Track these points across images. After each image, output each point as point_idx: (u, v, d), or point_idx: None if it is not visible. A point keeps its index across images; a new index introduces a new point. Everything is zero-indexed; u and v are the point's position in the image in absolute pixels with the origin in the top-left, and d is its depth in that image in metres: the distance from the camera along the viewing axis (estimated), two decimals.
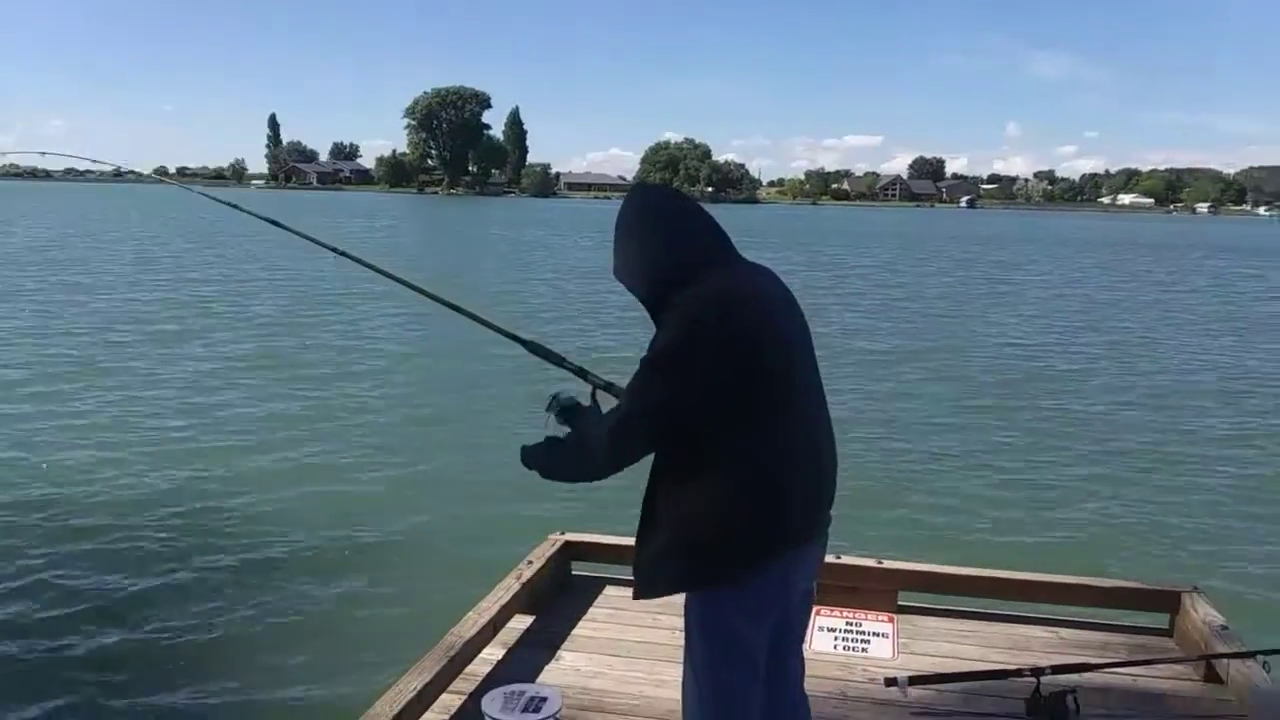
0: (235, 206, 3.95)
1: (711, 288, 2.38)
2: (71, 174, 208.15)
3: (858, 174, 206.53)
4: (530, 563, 4.48)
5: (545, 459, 2.57)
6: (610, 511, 7.16)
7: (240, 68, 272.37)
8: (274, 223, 3.75)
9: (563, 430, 2.59)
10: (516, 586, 4.23)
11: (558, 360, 2.92)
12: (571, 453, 2.55)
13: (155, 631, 6.17)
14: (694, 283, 2.38)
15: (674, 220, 2.50)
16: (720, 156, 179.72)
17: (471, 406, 12.55)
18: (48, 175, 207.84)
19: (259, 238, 34.31)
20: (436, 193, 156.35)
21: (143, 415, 11.58)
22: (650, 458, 2.45)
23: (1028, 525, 8.56)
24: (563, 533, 4.86)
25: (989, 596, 4.50)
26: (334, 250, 3.56)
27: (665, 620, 4.02)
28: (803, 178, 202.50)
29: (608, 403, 2.59)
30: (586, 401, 2.64)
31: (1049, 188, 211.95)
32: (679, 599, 2.48)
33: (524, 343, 2.98)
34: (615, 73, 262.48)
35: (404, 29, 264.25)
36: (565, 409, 2.62)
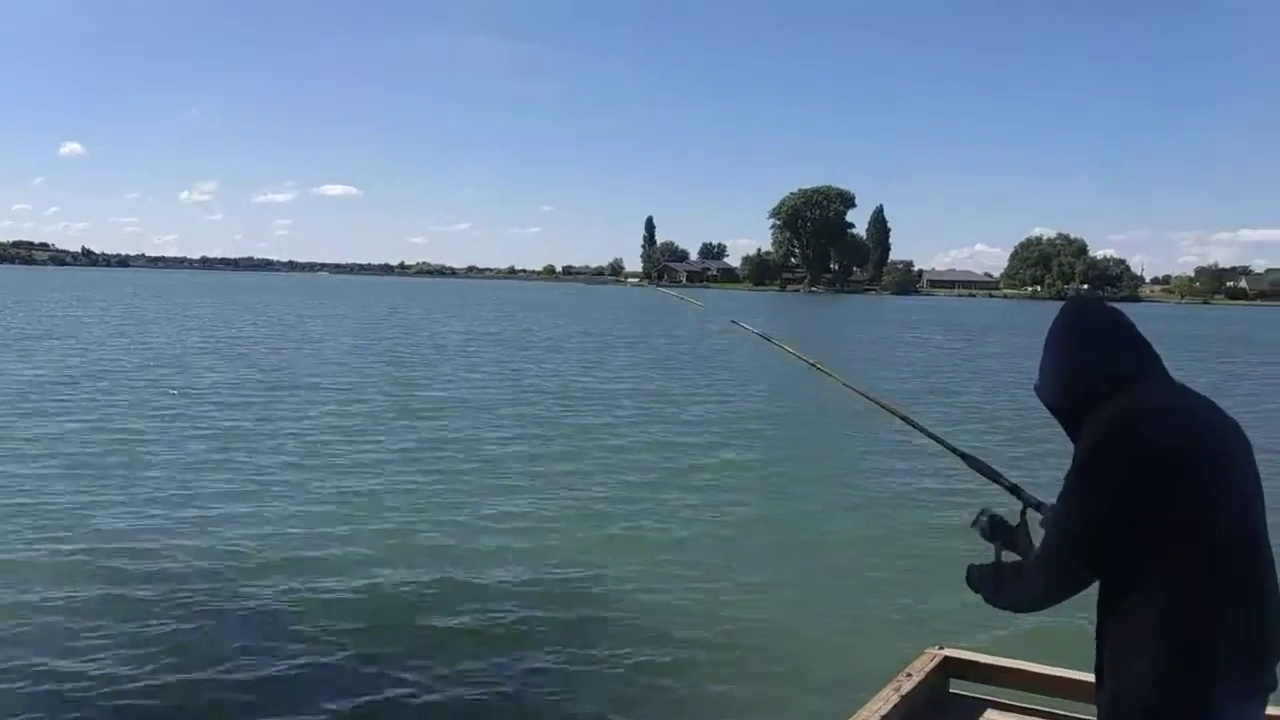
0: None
1: (1127, 403, 2.25)
2: (473, 271, 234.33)
3: (1258, 270, 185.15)
4: (909, 675, 4.37)
5: (989, 584, 2.49)
6: (995, 628, 6.91)
7: (618, 177, 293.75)
8: (765, 338, 3.92)
9: (1006, 554, 2.51)
10: (895, 699, 4.14)
11: (993, 475, 2.78)
12: (1007, 580, 2.45)
13: None
14: (1110, 401, 2.27)
15: (1097, 337, 2.37)
16: (1097, 252, 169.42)
17: (868, 506, 12.53)
18: (453, 273, 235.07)
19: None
20: (798, 290, 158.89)
21: None
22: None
23: None
24: (941, 647, 4.69)
25: None
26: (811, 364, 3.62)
27: None
28: (1191, 274, 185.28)
29: (1035, 524, 2.48)
30: (1016, 520, 2.53)
31: None
32: None
33: (961, 455, 2.87)
34: (979, 168, 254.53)
35: (771, 131, 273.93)
36: (993, 526, 2.54)
